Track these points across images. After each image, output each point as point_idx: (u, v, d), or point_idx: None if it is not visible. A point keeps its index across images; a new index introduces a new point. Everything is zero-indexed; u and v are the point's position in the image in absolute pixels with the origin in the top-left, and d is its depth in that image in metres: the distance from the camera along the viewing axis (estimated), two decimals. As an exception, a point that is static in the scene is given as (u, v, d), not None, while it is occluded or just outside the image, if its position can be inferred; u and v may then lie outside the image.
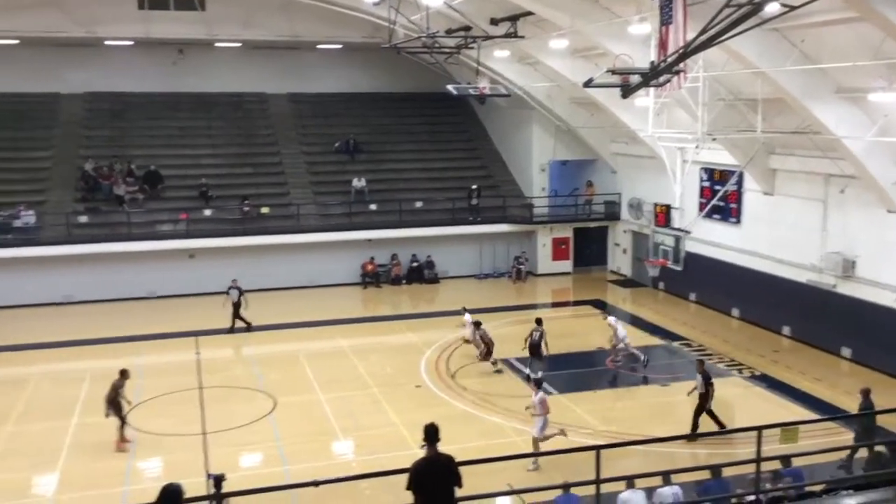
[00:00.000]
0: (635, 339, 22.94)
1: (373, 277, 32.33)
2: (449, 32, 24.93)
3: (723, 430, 16.53)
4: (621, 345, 21.59)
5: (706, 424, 16.81)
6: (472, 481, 7.97)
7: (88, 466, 16.15)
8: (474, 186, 33.78)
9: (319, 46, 34.84)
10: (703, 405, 16.77)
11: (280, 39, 32.53)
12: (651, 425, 17.45)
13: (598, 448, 8.82)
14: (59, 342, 24.50)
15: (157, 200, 31.47)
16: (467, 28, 24.62)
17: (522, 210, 34.18)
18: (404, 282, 32.76)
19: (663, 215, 27.82)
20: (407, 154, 36.01)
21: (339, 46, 34.74)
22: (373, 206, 32.89)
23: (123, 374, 17.41)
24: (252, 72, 35.92)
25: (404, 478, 7.60)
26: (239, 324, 25.57)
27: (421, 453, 7.77)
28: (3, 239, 28.28)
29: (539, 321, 20.98)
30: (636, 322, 26.44)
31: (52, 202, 30.41)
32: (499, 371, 21.49)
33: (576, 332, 25.51)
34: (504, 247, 34.02)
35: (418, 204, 33.14)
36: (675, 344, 24.18)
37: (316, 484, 8.26)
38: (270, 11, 30.60)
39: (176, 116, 34.77)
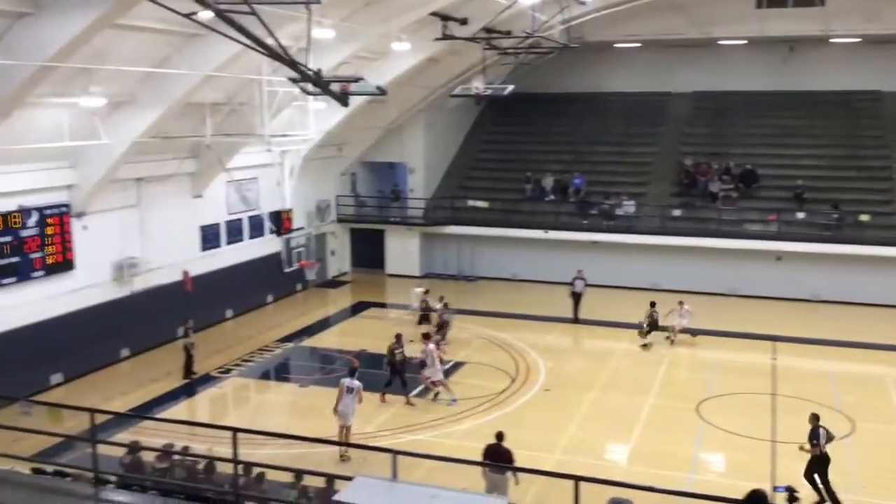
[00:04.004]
0: None
1: None
2: None
3: None
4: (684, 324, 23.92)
5: None
6: None
7: (658, 446, 17.11)
8: None
9: (956, 37, 30.44)
10: (813, 467, 14.03)
11: (907, 32, 29.33)
12: None
13: None
14: (635, 324, 26.14)
15: (749, 199, 31.45)
16: None
17: None
18: None
19: None
20: None
21: (983, 35, 29.85)
22: None
23: (399, 338, 19.90)
24: (867, 68, 33.09)
25: None
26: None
27: None
28: (606, 225, 31.55)
29: (653, 304, 24.24)
30: None
31: (651, 195, 32.72)
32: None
33: None
34: None
35: None
36: None
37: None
38: (900, 2, 27.76)
39: (778, 115, 34.06)
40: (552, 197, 33.37)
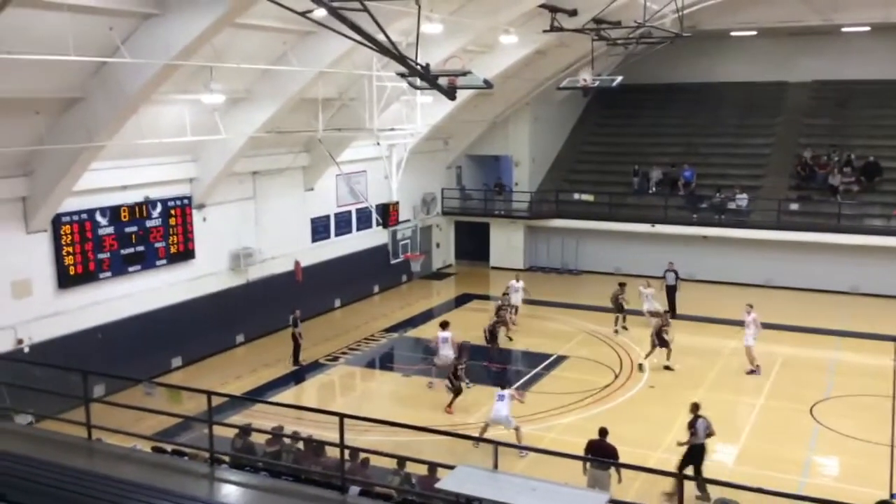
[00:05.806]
0: None
1: None
2: None
3: None
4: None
5: None
6: None
7: (768, 447, 16.56)
8: None
9: None
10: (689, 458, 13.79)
11: None
12: None
13: None
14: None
15: (871, 193, 29.91)
16: None
17: None
18: None
19: None
20: None
21: None
22: None
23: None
24: None
25: None
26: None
27: None
28: (717, 219, 30.62)
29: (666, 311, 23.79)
30: None
31: (765, 188, 31.55)
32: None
33: None
34: None
35: None
36: None
37: None
38: None
39: (905, 105, 32.29)
40: (654, 190, 32.66)
